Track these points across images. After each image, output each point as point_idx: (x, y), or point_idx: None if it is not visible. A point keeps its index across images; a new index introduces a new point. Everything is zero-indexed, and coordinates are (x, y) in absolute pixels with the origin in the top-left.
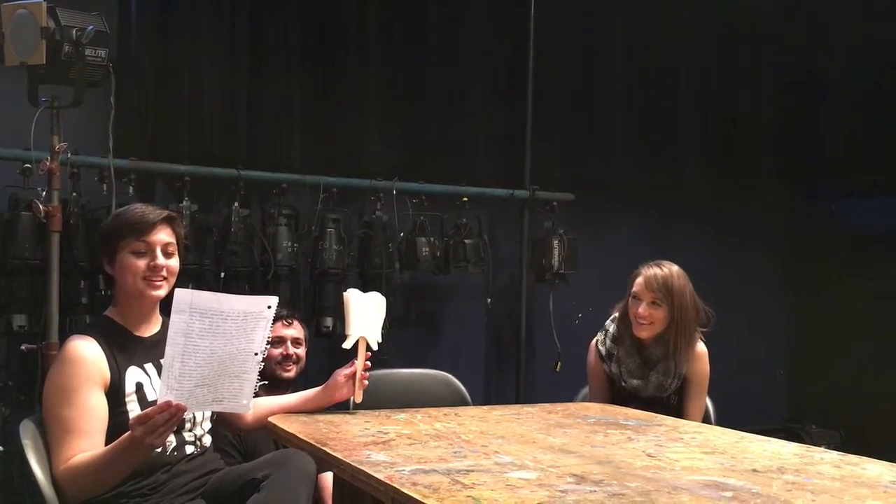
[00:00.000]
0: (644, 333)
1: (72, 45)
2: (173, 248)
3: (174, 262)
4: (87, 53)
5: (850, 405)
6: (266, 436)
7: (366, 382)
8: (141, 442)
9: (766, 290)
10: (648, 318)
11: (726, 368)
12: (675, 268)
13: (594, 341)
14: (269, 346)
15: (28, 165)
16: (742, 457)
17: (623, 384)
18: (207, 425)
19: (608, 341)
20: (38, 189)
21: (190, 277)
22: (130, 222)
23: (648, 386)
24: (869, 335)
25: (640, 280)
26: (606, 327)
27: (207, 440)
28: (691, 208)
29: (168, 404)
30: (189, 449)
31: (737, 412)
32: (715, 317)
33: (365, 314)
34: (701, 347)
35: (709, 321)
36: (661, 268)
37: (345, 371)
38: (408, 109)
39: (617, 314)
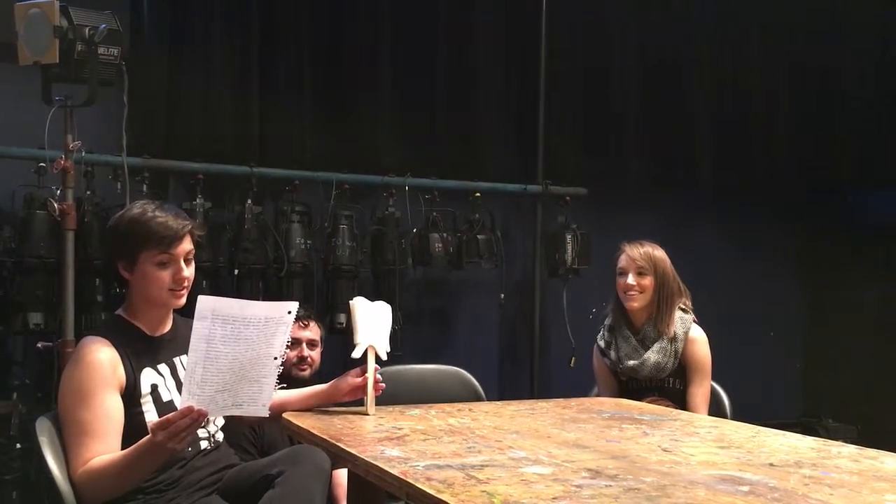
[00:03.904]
0: (635, 304)
1: (85, 44)
2: (192, 255)
3: (192, 269)
4: (99, 52)
5: (867, 400)
6: (281, 431)
7: (382, 386)
8: (162, 446)
9: (782, 285)
10: (638, 287)
11: (742, 362)
12: (655, 245)
13: (595, 343)
14: (287, 349)
15: (42, 164)
16: (758, 451)
17: (621, 368)
18: (221, 422)
19: (606, 333)
20: (53, 187)
21: (204, 275)
22: (157, 234)
23: (645, 366)
24: (885, 329)
25: (623, 256)
26: (604, 325)
27: (220, 436)
28: (705, 202)
29: (190, 409)
30: (203, 444)
31: (752, 406)
32: (690, 294)
33: (372, 322)
34: (697, 332)
35: (688, 296)
36: (641, 244)
37: (355, 379)
38: (420, 105)
39: (610, 309)
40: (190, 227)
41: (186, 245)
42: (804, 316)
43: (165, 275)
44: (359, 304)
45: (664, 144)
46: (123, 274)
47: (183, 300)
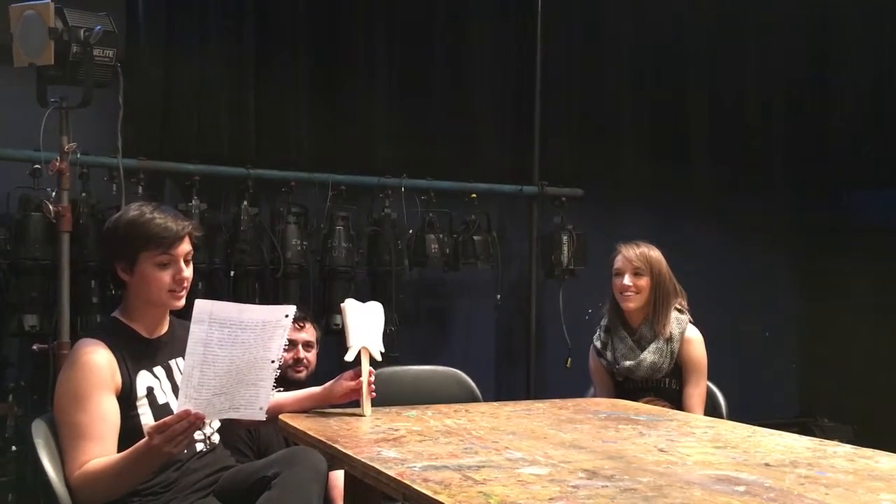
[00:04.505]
0: (632, 304)
1: (80, 46)
2: (191, 256)
3: (191, 270)
4: (95, 53)
5: (863, 399)
6: (277, 433)
7: (373, 395)
8: (159, 450)
9: (778, 284)
10: (634, 288)
11: (738, 363)
12: (650, 245)
13: (592, 343)
14: (283, 352)
15: (38, 166)
16: (754, 451)
17: (617, 368)
18: (216, 424)
19: (602, 334)
20: (48, 189)
21: (200, 276)
22: (157, 235)
23: (641, 366)
24: (881, 329)
25: (619, 256)
26: (600, 325)
27: (216, 438)
28: (701, 202)
29: (187, 413)
30: (199, 447)
31: (748, 406)
32: (686, 294)
33: (364, 324)
34: (693, 332)
35: (684, 297)
36: (637, 244)
37: (348, 382)
38: (415, 106)
39: (606, 309)
40: (190, 227)
41: (186, 246)
42: (800, 316)
43: (166, 276)
44: (349, 307)
45: (660, 144)
46: (122, 276)
47: (182, 301)
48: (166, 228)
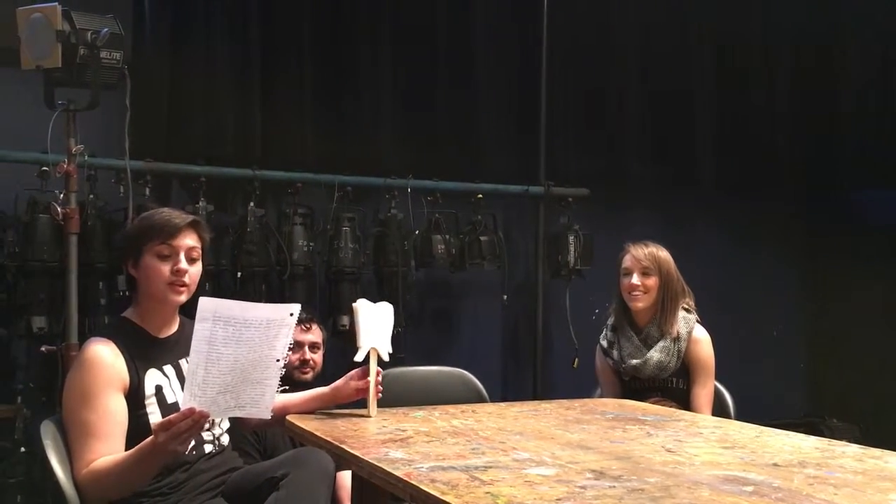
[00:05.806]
0: (640, 304)
1: (87, 48)
2: (197, 254)
3: (196, 269)
4: (102, 56)
5: (871, 399)
6: (283, 434)
7: (380, 395)
8: (164, 448)
9: (784, 284)
10: (642, 288)
11: (745, 363)
12: (659, 245)
13: (598, 343)
14: (289, 352)
15: (45, 168)
16: (762, 451)
17: (623, 367)
18: (226, 424)
19: (608, 333)
20: (56, 191)
21: (207, 278)
22: (157, 225)
23: (647, 365)
24: (889, 328)
25: (628, 256)
26: (607, 325)
27: (226, 439)
28: (708, 202)
29: (191, 411)
30: (207, 448)
31: (756, 407)
32: (693, 295)
33: (375, 324)
34: (700, 332)
35: (692, 297)
36: (645, 244)
37: (357, 382)
38: (421, 107)
39: (613, 309)
40: (191, 220)
41: (188, 240)
42: (807, 316)
43: (165, 268)
44: (362, 307)
45: (666, 144)
46: (131, 272)
47: (182, 297)
48: (168, 220)
